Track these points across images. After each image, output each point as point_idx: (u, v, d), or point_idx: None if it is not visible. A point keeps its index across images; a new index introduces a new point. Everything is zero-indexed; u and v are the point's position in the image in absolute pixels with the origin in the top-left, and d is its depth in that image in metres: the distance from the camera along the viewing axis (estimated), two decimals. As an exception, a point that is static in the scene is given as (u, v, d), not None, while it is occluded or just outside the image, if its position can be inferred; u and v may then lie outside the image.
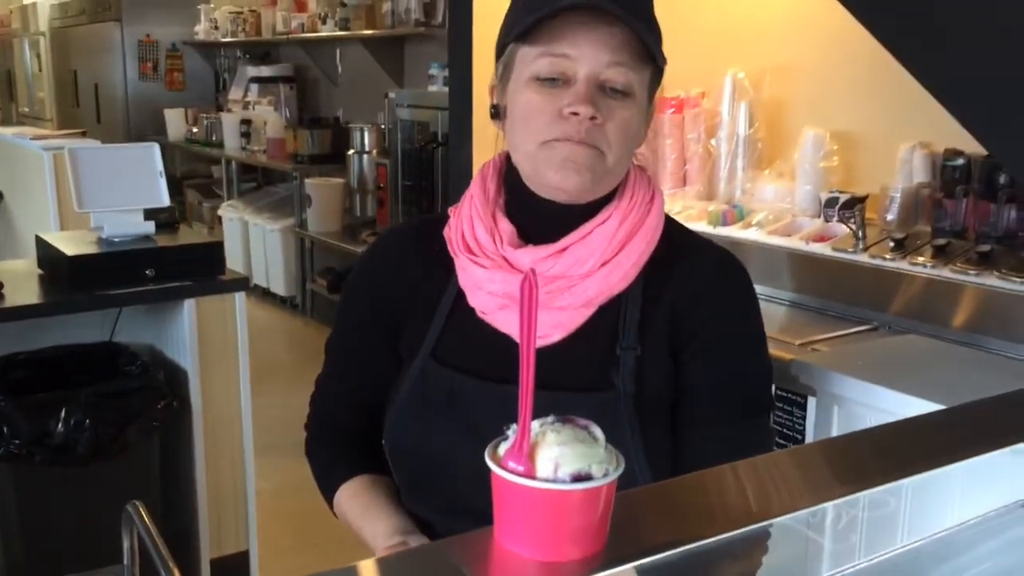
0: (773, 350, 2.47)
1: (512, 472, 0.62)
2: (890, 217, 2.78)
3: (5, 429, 2.59)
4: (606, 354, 1.06)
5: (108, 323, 3.03)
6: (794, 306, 2.94)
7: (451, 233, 1.12)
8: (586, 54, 1.00)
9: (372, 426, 1.22)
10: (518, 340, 1.06)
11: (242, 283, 3.04)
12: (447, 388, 1.08)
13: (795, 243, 2.92)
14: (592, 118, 1.00)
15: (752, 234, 3.05)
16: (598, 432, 0.65)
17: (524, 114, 1.04)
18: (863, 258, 2.72)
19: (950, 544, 0.82)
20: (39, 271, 2.96)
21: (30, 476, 2.68)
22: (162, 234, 3.02)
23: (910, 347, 2.33)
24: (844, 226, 2.83)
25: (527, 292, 0.63)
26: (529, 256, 1.05)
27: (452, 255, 1.11)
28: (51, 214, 4.01)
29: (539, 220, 1.08)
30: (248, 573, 3.08)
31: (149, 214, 3.03)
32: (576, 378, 1.05)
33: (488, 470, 1.02)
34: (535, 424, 0.65)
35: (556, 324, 1.06)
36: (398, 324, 1.16)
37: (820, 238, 2.89)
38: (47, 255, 2.92)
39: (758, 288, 3.04)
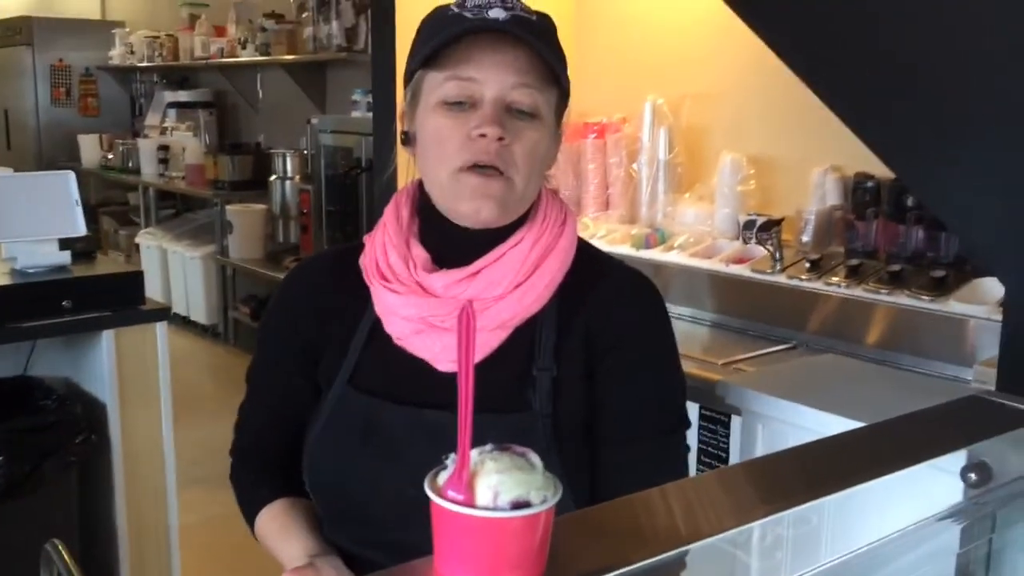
0: (697, 370, 2.55)
1: (452, 501, 0.63)
2: (805, 239, 2.86)
3: (-87, 469, 2.49)
4: (522, 376, 1.07)
5: (22, 356, 2.93)
6: (716, 326, 3.00)
7: (366, 260, 1.12)
8: (491, 76, 1.02)
9: (296, 449, 1.22)
10: (436, 365, 1.08)
11: (163, 313, 2.97)
12: (364, 414, 1.08)
13: (716, 265, 2.99)
14: (500, 139, 1.02)
15: (674, 257, 3.11)
16: (536, 459, 0.66)
17: (434, 139, 1.05)
18: (781, 279, 2.79)
19: (872, 559, 0.85)
20: (-53, 304, 2.86)
21: None
22: (79, 264, 2.94)
23: (829, 366, 2.40)
24: (762, 248, 2.90)
25: (464, 323, 0.64)
26: (442, 280, 1.06)
27: (367, 283, 1.11)
28: (-41, 244, 3.87)
29: (452, 245, 1.09)
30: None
31: (65, 243, 2.95)
32: (493, 400, 1.05)
33: (412, 497, 1.03)
34: (473, 453, 0.66)
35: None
36: (316, 355, 1.16)
37: (739, 260, 2.96)
38: (-44, 288, 2.82)
39: (681, 309, 3.13)
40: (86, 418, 2.79)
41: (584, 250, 1.14)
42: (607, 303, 1.10)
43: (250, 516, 1.19)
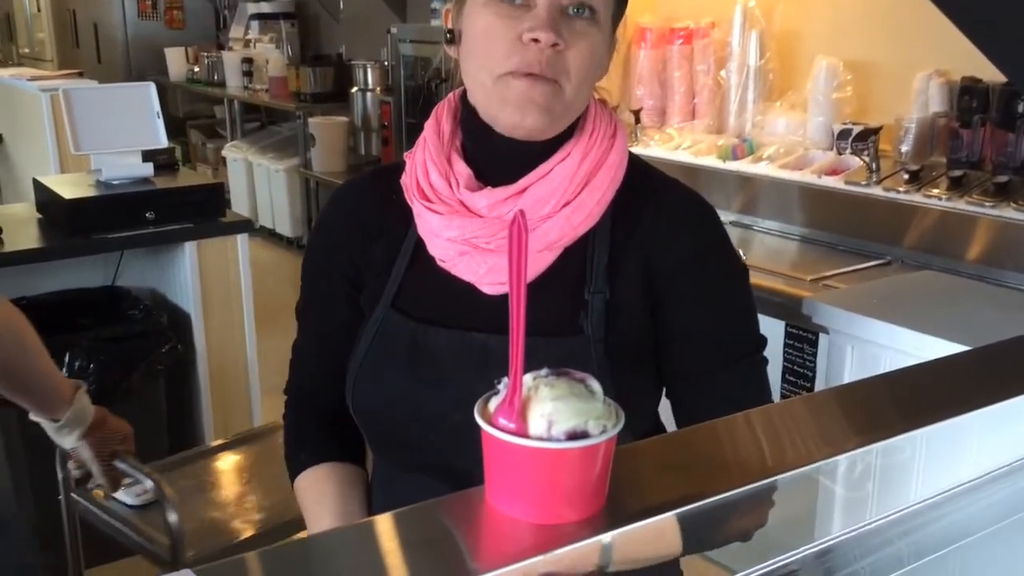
0: (784, 286, 2.46)
1: (503, 430, 0.58)
2: (904, 148, 2.71)
3: (9, 375, 2.57)
4: (573, 299, 1.00)
5: (110, 267, 2.99)
6: (805, 241, 2.90)
7: (407, 179, 1.06)
8: None
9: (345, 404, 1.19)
10: (481, 288, 1.01)
11: (244, 225, 2.99)
12: (408, 339, 1.03)
13: (807, 177, 2.87)
14: (554, 45, 0.94)
15: (763, 168, 3.00)
16: (596, 385, 0.61)
17: (481, 39, 0.97)
18: (877, 191, 2.67)
19: (970, 497, 0.78)
20: (38, 215, 2.93)
21: (34, 424, 2.66)
22: (161, 176, 2.97)
23: (925, 283, 2.28)
24: (857, 158, 2.77)
25: (516, 235, 0.58)
26: (486, 199, 0.99)
27: (408, 203, 1.05)
28: (51, 156, 3.96)
29: (496, 160, 1.02)
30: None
31: (147, 156, 2.97)
32: (542, 324, 0.97)
33: (458, 423, 0.97)
34: (527, 378, 0.61)
35: None
36: (360, 280, 1.11)
37: (832, 171, 2.84)
38: (45, 199, 2.88)
39: (769, 223, 3.02)
40: (172, 328, 2.84)
41: (636, 166, 1.05)
42: (664, 227, 1.02)
43: (293, 471, 1.16)
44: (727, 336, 1.04)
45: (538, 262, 1.00)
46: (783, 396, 2.42)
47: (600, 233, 1.01)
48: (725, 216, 3.26)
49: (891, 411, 0.80)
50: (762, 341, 1.06)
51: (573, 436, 0.57)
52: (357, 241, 1.10)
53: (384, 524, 0.59)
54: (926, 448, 0.83)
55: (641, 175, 1.05)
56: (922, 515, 0.76)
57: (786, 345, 2.39)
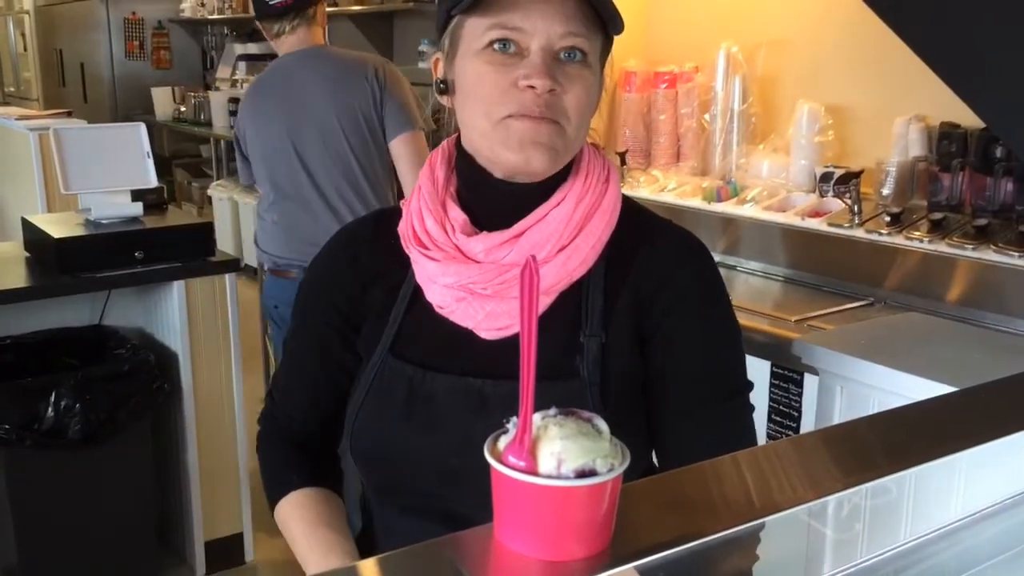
0: (769, 327, 2.49)
1: (513, 468, 0.59)
2: (886, 191, 2.75)
3: (-6, 414, 2.56)
4: (569, 342, 1.01)
5: (97, 306, 2.99)
6: (789, 282, 2.92)
7: (403, 227, 1.07)
8: (539, 25, 0.94)
9: (327, 435, 1.19)
10: (479, 333, 1.02)
11: (232, 264, 3.00)
12: (406, 384, 1.04)
13: (790, 219, 2.90)
14: (550, 90, 0.96)
15: (747, 210, 3.03)
16: (602, 425, 0.63)
17: (475, 87, 0.98)
18: (859, 233, 2.70)
19: (958, 537, 0.80)
20: (26, 254, 2.93)
21: (21, 461, 2.65)
22: (150, 215, 2.98)
23: (910, 324, 2.31)
24: (839, 201, 2.81)
25: (527, 279, 0.60)
26: (483, 243, 1.00)
27: (406, 250, 1.06)
28: (38, 195, 3.96)
29: (492, 205, 1.03)
30: (242, 555, 3.07)
31: (137, 195, 2.99)
32: (540, 367, 1.01)
33: (455, 467, 0.99)
34: (536, 417, 0.62)
35: (514, 314, 1.00)
36: (356, 324, 1.12)
37: (815, 213, 2.87)
38: (33, 238, 2.89)
39: (753, 264, 3.05)
40: (159, 367, 2.84)
41: (630, 208, 1.07)
42: (658, 266, 1.04)
43: (273, 496, 1.15)
44: (713, 377, 1.05)
45: None
46: (769, 436, 2.43)
47: (595, 276, 1.03)
48: (710, 257, 3.29)
49: (880, 451, 0.82)
50: (748, 385, 1.07)
51: (582, 474, 0.59)
52: (356, 283, 1.11)
53: (391, 562, 0.60)
54: (915, 488, 0.85)
55: (635, 216, 1.07)
56: (911, 554, 0.78)
57: (772, 385, 2.40)
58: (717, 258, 3.08)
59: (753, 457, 0.81)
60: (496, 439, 0.63)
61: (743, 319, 2.52)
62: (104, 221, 2.88)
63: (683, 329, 1.03)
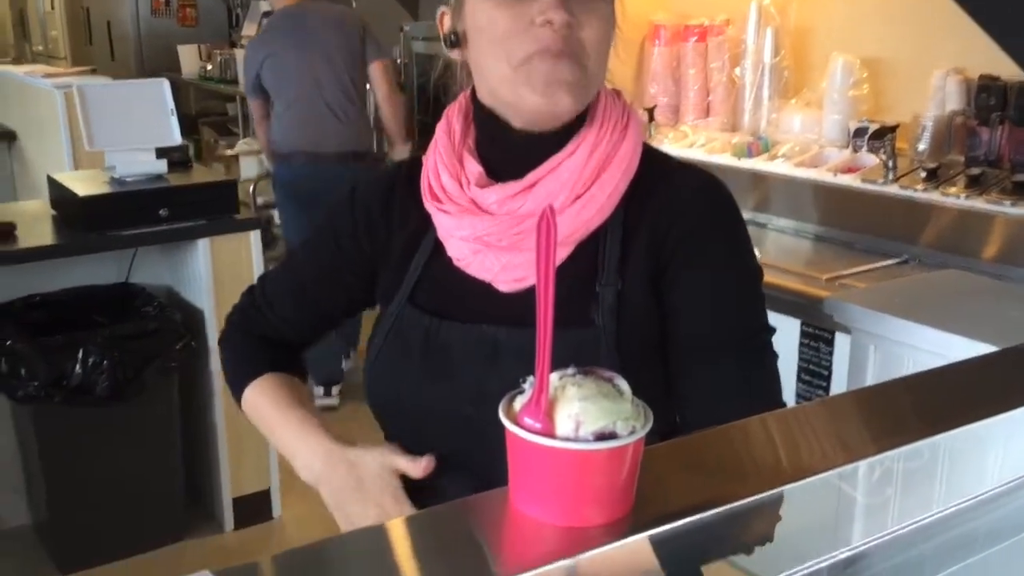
0: (799, 285, 2.44)
1: (529, 430, 0.57)
2: (922, 147, 2.69)
3: (22, 371, 2.58)
4: (585, 292, 0.98)
5: (123, 264, 3.00)
6: (820, 240, 2.87)
7: (422, 182, 1.06)
8: None
9: (302, 345, 1.21)
10: (496, 286, 0.99)
11: (256, 222, 2.99)
12: (423, 333, 1.03)
13: (822, 175, 2.84)
14: (568, 25, 0.92)
15: (778, 166, 2.97)
16: (624, 385, 0.60)
17: (489, 32, 0.95)
18: (893, 189, 2.64)
19: (994, 505, 0.77)
20: (52, 212, 2.93)
21: (50, 418, 2.68)
22: (175, 173, 2.97)
23: (947, 282, 2.26)
24: (874, 156, 2.75)
25: (544, 231, 0.57)
26: (496, 194, 0.98)
27: (425, 205, 1.05)
28: (65, 154, 3.97)
29: (509, 155, 1.00)
30: (270, 511, 3.10)
31: (161, 153, 2.97)
32: (555, 318, 0.99)
33: (469, 416, 0.97)
34: (554, 377, 0.59)
35: (531, 266, 0.99)
36: (373, 266, 1.12)
37: (848, 169, 2.81)
38: (60, 196, 2.89)
39: (783, 222, 3.00)
40: (185, 324, 2.84)
41: (651, 155, 1.03)
42: (673, 205, 1.00)
43: (240, 381, 1.15)
44: (731, 315, 1.01)
45: None
46: (798, 396, 2.40)
47: (613, 225, 1.00)
48: (739, 214, 3.24)
49: (914, 414, 0.79)
50: (769, 329, 1.04)
51: (601, 437, 0.56)
52: (383, 227, 1.10)
53: (404, 527, 0.58)
54: (950, 452, 0.82)
55: (655, 163, 1.04)
56: (945, 523, 0.75)
57: (801, 344, 2.37)
58: (746, 215, 3.04)
59: (780, 419, 0.78)
60: (512, 400, 0.60)
61: (772, 277, 2.49)
62: (129, 179, 2.87)
63: (698, 268, 1.00)
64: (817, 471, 0.66)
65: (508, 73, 0.95)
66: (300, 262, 1.19)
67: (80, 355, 2.62)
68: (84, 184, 2.85)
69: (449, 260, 1.03)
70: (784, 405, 1.02)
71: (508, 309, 0.99)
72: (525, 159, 0.99)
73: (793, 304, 2.36)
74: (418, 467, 1.02)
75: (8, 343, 2.60)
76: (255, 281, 1.22)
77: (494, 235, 0.98)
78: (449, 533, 0.57)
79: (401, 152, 4.02)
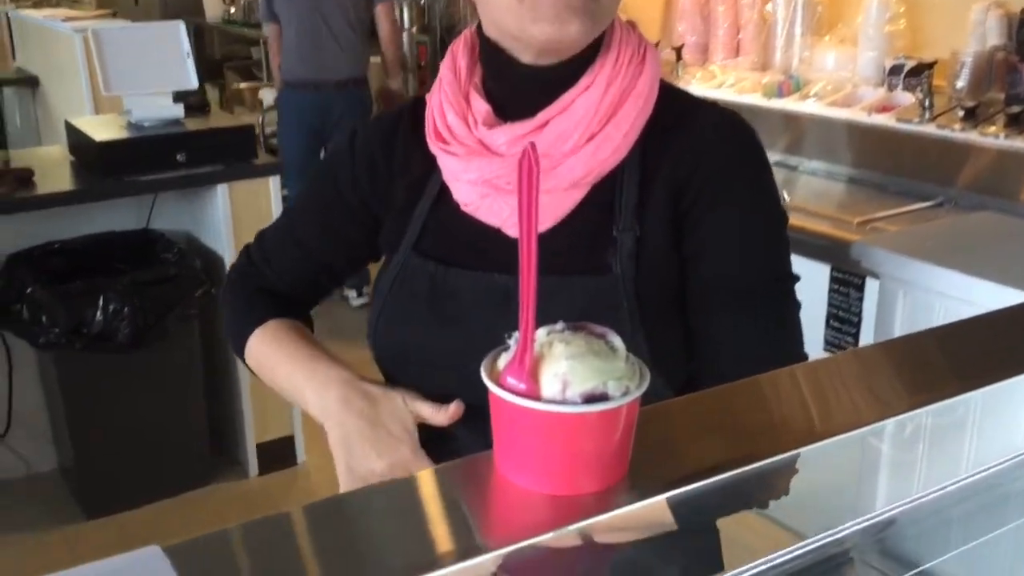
0: (829, 229, 2.37)
1: (512, 391, 0.52)
2: (960, 84, 2.58)
3: (43, 318, 2.58)
4: (601, 237, 0.93)
5: (143, 211, 2.97)
6: (853, 182, 2.79)
7: (427, 123, 1.00)
8: None
9: (305, 304, 1.13)
10: (506, 231, 0.94)
11: (275, 167, 2.95)
12: (429, 281, 0.98)
13: (856, 114, 2.76)
14: None
15: (810, 106, 2.89)
16: (618, 342, 0.54)
17: None
18: (930, 129, 2.55)
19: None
20: (71, 158, 2.91)
21: (71, 364, 2.68)
22: (192, 118, 2.93)
23: (983, 225, 2.17)
24: (910, 95, 2.65)
25: (526, 171, 0.52)
26: (505, 135, 0.92)
27: (430, 147, 0.99)
28: (86, 98, 3.93)
29: (518, 92, 0.95)
30: (294, 457, 3.10)
31: (179, 97, 2.93)
32: (569, 263, 0.93)
33: (472, 368, 0.93)
34: (540, 333, 0.54)
35: (544, 210, 0.93)
36: (375, 212, 1.06)
37: (883, 108, 2.72)
38: (77, 141, 2.86)
39: (815, 164, 2.91)
40: (205, 271, 2.82)
41: (669, 91, 0.97)
42: (696, 146, 0.95)
43: (241, 335, 1.07)
44: (755, 260, 0.95)
45: (565, 201, 0.93)
46: (827, 342, 2.34)
47: (629, 166, 0.94)
48: (769, 156, 3.15)
49: (947, 368, 0.74)
50: (793, 277, 0.98)
51: (591, 399, 0.51)
52: (385, 172, 1.05)
53: (383, 494, 0.54)
54: (982, 408, 0.76)
55: (674, 99, 0.97)
56: (975, 485, 0.69)
57: (831, 290, 2.30)
58: (777, 157, 2.98)
59: (802, 374, 0.73)
60: (496, 358, 0.56)
61: (802, 221, 2.42)
62: (146, 124, 2.83)
63: (722, 210, 0.94)
64: (841, 430, 0.61)
65: (514, 3, 0.89)
66: (298, 213, 1.13)
67: (100, 302, 2.61)
68: (101, 129, 2.81)
69: (456, 205, 0.98)
70: (806, 357, 0.97)
71: (518, 256, 0.94)
72: (535, 96, 0.93)
73: (823, 249, 2.29)
74: (444, 414, 0.94)
75: (28, 290, 2.60)
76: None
77: (503, 178, 0.93)
78: (429, 502, 0.52)
79: (396, 82, 4.48)
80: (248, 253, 1.15)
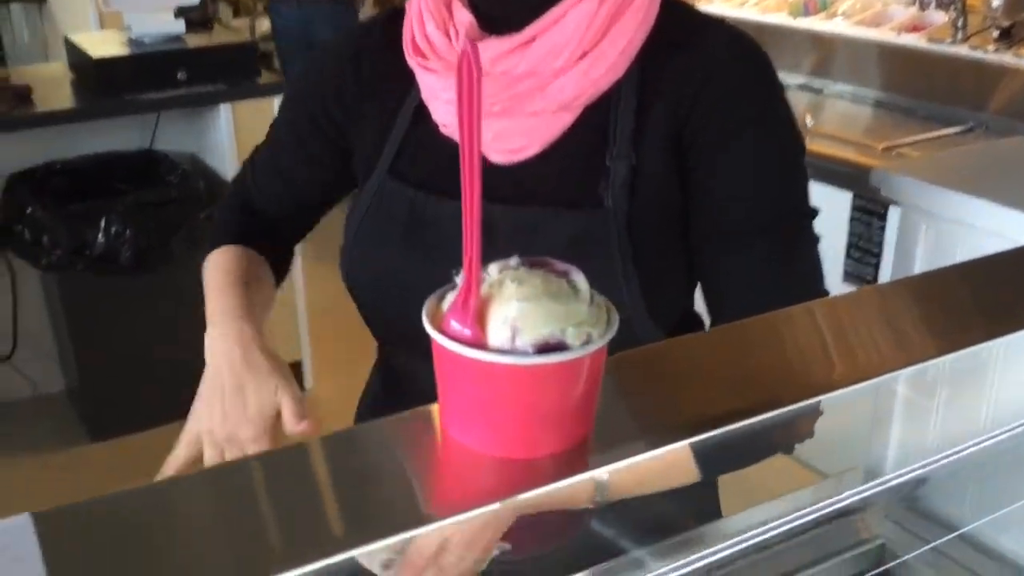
0: (853, 155, 2.27)
1: (454, 337, 0.45)
2: (996, 3, 2.46)
3: (45, 239, 2.53)
4: (593, 166, 0.85)
5: (147, 131, 2.91)
6: (880, 106, 2.68)
7: (404, 34, 0.91)
8: None
9: (292, 234, 1.09)
10: (489, 156, 0.85)
11: (279, 86, 2.85)
12: (407, 208, 0.91)
13: (885, 34, 2.64)
14: None
15: (837, 25, 2.76)
16: (582, 282, 0.46)
17: None
18: (962, 50, 2.44)
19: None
20: (71, 75, 2.83)
21: (75, 286, 2.64)
22: (194, 34, 2.84)
23: (1015, 152, 2.06)
24: (942, 14, 2.55)
25: (466, 75, 0.44)
26: (489, 51, 0.84)
27: (408, 61, 0.91)
28: (91, 14, 3.84)
29: (505, 3, 0.87)
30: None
31: (180, 13, 2.83)
32: (557, 195, 0.86)
33: None
34: (492, 269, 0.47)
35: (530, 134, 0.86)
36: (345, 131, 0.99)
37: (914, 28, 2.61)
38: (77, 59, 2.78)
39: (841, 86, 2.79)
40: (209, 193, 2.76)
41: (672, 7, 0.88)
42: (700, 67, 0.86)
43: (207, 251, 1.04)
44: (766, 194, 0.87)
45: (553, 125, 0.85)
46: (847, 273, 2.27)
47: (626, 88, 0.86)
48: (793, 79, 3.03)
49: (972, 309, 0.66)
50: (811, 212, 0.90)
51: (545, 348, 0.43)
52: (355, 89, 0.96)
53: (319, 450, 0.47)
54: (1006, 354, 0.69)
55: (677, 14, 0.88)
56: (1000, 444, 0.63)
57: (852, 219, 2.22)
58: (802, 80, 2.87)
59: (819, 312, 0.66)
60: (442, 297, 0.48)
61: (825, 147, 2.32)
62: (146, 40, 2.75)
63: (728, 134, 0.86)
64: (857, 378, 0.54)
65: None
66: (278, 134, 1.06)
67: (102, 223, 2.55)
68: (100, 46, 2.73)
69: (435, 126, 0.90)
70: (826, 294, 0.90)
71: (503, 184, 0.87)
72: (523, 7, 0.84)
73: (845, 175, 2.19)
74: (299, 426, 0.86)
75: (29, 211, 2.55)
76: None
77: (487, 98, 0.85)
78: (360, 462, 0.46)
79: None
80: (249, 165, 1.09)
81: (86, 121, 2.73)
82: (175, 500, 0.44)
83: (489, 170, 0.87)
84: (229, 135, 2.76)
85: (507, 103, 0.84)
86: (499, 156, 0.87)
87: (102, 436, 2.76)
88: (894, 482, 0.72)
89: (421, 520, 0.41)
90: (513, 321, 0.43)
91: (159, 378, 2.85)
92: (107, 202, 2.57)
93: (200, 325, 0.95)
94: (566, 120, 0.85)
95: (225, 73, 2.76)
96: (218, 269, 0.99)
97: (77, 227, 2.54)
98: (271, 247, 1.05)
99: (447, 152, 0.89)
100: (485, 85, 0.83)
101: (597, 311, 0.46)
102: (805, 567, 0.77)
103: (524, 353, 0.43)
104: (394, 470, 0.45)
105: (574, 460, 0.44)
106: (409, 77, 0.92)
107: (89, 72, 2.67)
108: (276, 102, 2.91)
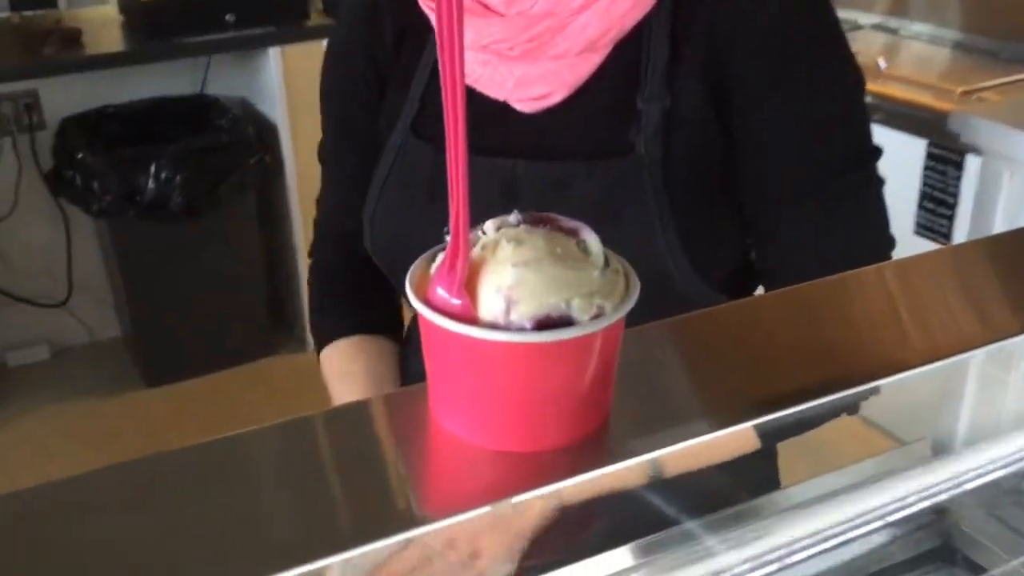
0: (929, 99, 2.13)
1: (439, 308, 0.37)
2: (1093, -66, 2.27)
3: (95, 185, 2.52)
4: (623, 110, 0.77)
5: (198, 75, 2.88)
6: (960, 48, 2.52)
7: None
8: None
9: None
10: (512, 105, 0.79)
11: (330, 28, 2.79)
12: (429, 165, 0.84)
13: (968, -31, 2.46)
14: None
15: (915, -40, 2.59)
16: (594, 242, 0.38)
17: None
18: (1053, -14, 2.26)
19: None
20: (121, 18, 2.80)
21: (126, 232, 2.63)
22: (244, -25, 2.78)
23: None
24: (1032, -54, 2.35)
25: (445, 4, 0.36)
26: None
27: (421, 5, 0.84)
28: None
29: None
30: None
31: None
32: (584, 143, 0.78)
33: None
34: (488, 227, 0.40)
35: (554, 78, 0.78)
36: (384, 86, 0.91)
37: (1000, -38, 2.43)
38: (127, 1, 2.75)
39: (918, 27, 2.63)
40: (259, 139, 2.73)
41: None
42: (742, 1, 0.78)
43: (318, 342, 1.00)
44: (822, 137, 0.79)
45: (580, 67, 0.77)
46: (919, 225, 2.14)
47: (657, 22, 0.77)
48: (867, 18, 2.87)
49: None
50: (874, 152, 0.81)
51: (545, 324, 0.36)
52: (375, 54, 0.89)
53: (297, 430, 0.41)
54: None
55: None
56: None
57: (926, 167, 2.09)
58: (876, 20, 2.71)
59: (891, 274, 0.57)
60: (431, 259, 0.41)
61: (899, 91, 2.18)
62: (193, -19, 2.69)
63: (779, 77, 0.77)
64: (929, 357, 0.46)
65: None
66: (330, 150, 0.98)
67: (152, 169, 2.53)
68: (149, -13, 2.68)
69: None
70: (892, 242, 0.82)
71: (527, 135, 0.80)
72: None
73: (920, 121, 2.06)
74: None
75: (80, 156, 2.54)
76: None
77: (504, 41, 0.77)
78: (339, 451, 0.39)
79: None
80: (315, 223, 1.03)
81: (134, 65, 2.71)
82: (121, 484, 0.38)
83: (516, 122, 0.80)
84: (279, 79, 2.71)
85: (525, 46, 0.76)
86: (522, 104, 0.80)
87: (157, 382, 2.77)
88: (971, 461, 0.64)
89: (393, 527, 0.34)
90: (508, 290, 0.36)
91: (212, 325, 2.85)
92: (157, 148, 2.55)
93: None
94: (594, 61, 0.77)
95: (274, 16, 2.71)
96: (336, 379, 0.96)
97: (127, 173, 2.52)
98: (374, 284, 0.97)
99: (472, 105, 0.81)
100: (500, 28, 0.76)
101: (613, 277, 0.38)
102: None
103: (520, 329, 0.36)
104: (368, 464, 0.38)
105: (583, 455, 0.37)
106: (425, 28, 0.85)
107: (138, 15, 2.64)
108: (324, 45, 2.86)
